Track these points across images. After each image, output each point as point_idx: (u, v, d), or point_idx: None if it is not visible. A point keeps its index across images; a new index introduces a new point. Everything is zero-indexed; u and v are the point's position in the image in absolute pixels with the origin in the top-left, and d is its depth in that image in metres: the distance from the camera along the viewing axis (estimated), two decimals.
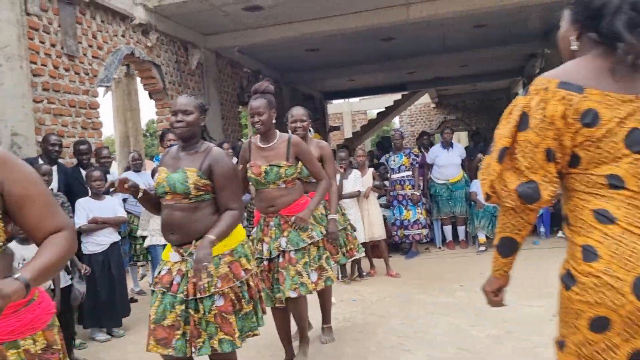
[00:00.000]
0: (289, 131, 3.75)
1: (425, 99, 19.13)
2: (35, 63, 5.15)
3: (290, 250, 3.18)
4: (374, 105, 19.93)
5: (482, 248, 6.97)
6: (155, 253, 4.77)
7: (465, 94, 18.72)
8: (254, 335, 2.65)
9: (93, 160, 5.39)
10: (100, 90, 6.21)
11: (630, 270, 1.34)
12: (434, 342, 3.73)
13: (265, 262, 3.22)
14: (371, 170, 6.38)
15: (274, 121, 3.22)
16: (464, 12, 7.76)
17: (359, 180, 5.98)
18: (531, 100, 1.47)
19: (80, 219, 4.41)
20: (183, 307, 2.50)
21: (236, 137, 9.64)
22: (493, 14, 8.43)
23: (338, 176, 6.20)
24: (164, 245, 4.65)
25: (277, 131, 3.30)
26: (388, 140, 13.34)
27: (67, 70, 5.57)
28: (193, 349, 2.48)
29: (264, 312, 2.76)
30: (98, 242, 4.48)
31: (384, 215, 7.34)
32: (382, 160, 7.75)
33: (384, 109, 17.36)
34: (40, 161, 4.63)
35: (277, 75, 11.88)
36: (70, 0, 5.62)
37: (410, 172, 7.12)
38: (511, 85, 17.36)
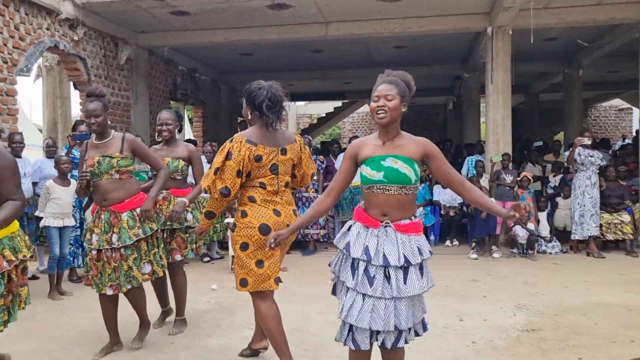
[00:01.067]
0: (157, 133, 4.24)
1: (367, 107, 19.97)
2: None
3: (120, 247, 3.45)
4: (323, 109, 20.59)
5: None
6: (49, 233, 5.21)
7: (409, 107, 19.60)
8: (7, 323, 2.74)
9: (5, 144, 5.79)
10: (27, 77, 6.59)
11: (259, 220, 3.02)
12: None
13: (94, 252, 3.49)
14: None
15: (109, 122, 3.63)
16: (379, 34, 8.49)
17: None
18: (233, 145, 3.01)
19: None
20: None
21: None
22: (410, 38, 9.22)
23: None
24: (58, 227, 5.16)
25: (113, 131, 3.68)
26: (326, 145, 14.02)
27: None
28: None
29: (20, 308, 2.84)
30: None
31: None
32: None
33: (324, 115, 18.07)
34: None
35: (215, 75, 12.37)
36: None
37: (315, 178, 7.78)
38: (447, 102, 18.38)
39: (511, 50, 8.10)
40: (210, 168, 3.06)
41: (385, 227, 2.46)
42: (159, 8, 7.51)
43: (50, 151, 6.52)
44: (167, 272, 3.98)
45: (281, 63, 11.61)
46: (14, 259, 2.68)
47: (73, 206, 5.46)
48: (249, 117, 3.19)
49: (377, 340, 2.46)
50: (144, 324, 3.84)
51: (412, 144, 2.50)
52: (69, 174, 5.33)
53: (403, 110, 2.50)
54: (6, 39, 6.25)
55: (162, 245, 3.77)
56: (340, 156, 8.20)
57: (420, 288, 2.45)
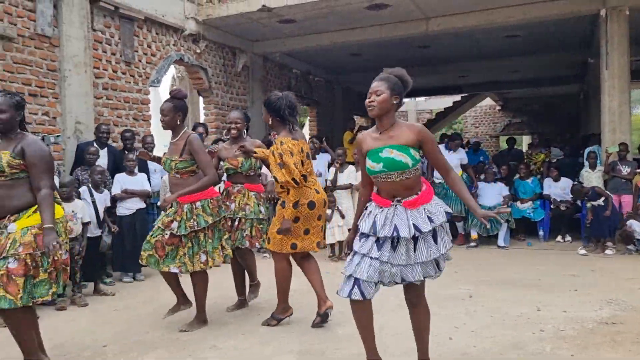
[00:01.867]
0: (225, 131, 4.72)
1: (490, 101, 19.30)
2: (97, 68, 6.69)
3: (181, 235, 3.88)
4: (442, 104, 20.31)
5: (473, 244, 7.66)
6: None
7: (531, 98, 18.62)
8: (43, 300, 3.07)
9: (140, 144, 6.83)
10: (153, 89, 7.68)
11: (307, 199, 3.88)
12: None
13: (166, 235, 3.89)
14: None
15: (178, 122, 3.95)
16: (481, 26, 8.39)
17: (352, 175, 6.97)
18: (289, 146, 3.79)
19: (116, 189, 5.84)
20: None
21: None
22: (521, 27, 8.92)
23: (332, 169, 7.26)
24: None
25: (185, 130, 4.00)
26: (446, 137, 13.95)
27: (124, 73, 7.09)
28: None
29: (64, 283, 3.24)
30: (127, 207, 5.88)
31: None
32: None
33: (442, 110, 17.84)
34: (95, 144, 6.12)
35: (329, 75, 12.95)
36: (130, 17, 7.12)
37: None
38: (579, 91, 17.10)
39: (628, 32, 7.53)
40: (284, 167, 3.76)
41: (396, 205, 2.75)
42: (268, 18, 8.21)
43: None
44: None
45: (389, 60, 11.76)
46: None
47: None
48: (270, 123, 4.00)
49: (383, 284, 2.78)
50: (199, 313, 4.10)
51: (407, 132, 2.78)
52: None
53: (395, 102, 2.80)
54: (140, 56, 7.35)
55: (224, 237, 4.11)
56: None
57: (430, 255, 2.71)
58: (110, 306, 4.88)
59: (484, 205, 7.80)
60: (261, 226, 4.53)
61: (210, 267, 4.03)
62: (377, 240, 2.75)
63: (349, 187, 6.96)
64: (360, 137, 2.96)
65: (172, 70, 10.54)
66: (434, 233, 2.74)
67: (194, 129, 7.24)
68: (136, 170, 6.04)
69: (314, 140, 8.15)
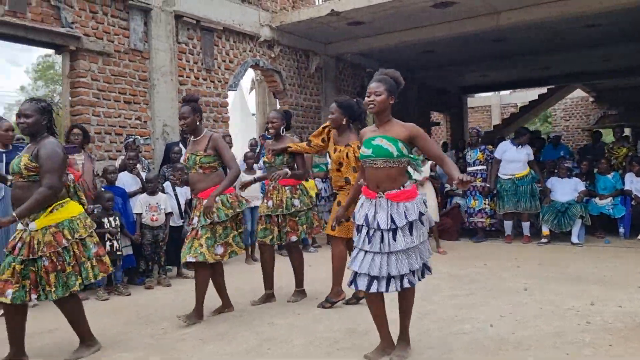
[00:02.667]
0: (265, 130, 5.02)
1: (581, 92, 18.36)
2: (182, 76, 7.42)
3: (199, 227, 4.12)
4: (527, 97, 19.62)
5: (544, 240, 7.56)
6: (243, 213, 6.68)
7: (628, 89, 17.49)
8: (75, 290, 3.34)
9: None
10: (231, 93, 8.32)
11: None
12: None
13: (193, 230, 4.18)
14: (429, 163, 7.46)
15: (197, 122, 4.21)
16: (552, 18, 8.22)
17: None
18: (355, 148, 4.13)
19: None
20: (22, 266, 3.22)
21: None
22: (602, 15, 8.58)
23: None
24: (250, 208, 6.49)
25: (206, 130, 4.27)
26: (536, 134, 13.60)
27: (204, 80, 7.78)
28: (34, 296, 3.24)
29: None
30: None
31: (458, 203, 8.37)
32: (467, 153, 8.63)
33: (527, 103, 17.26)
34: (180, 144, 6.82)
35: (403, 73, 13.00)
36: (210, 29, 7.80)
37: (484, 167, 8.00)
38: None
39: None
40: (345, 166, 4.28)
41: (379, 197, 3.10)
42: (337, 22, 8.58)
43: (252, 149, 8.11)
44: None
45: (463, 56, 11.76)
46: (70, 237, 3.30)
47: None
48: (343, 123, 4.35)
49: (383, 288, 3.08)
50: (223, 304, 4.45)
51: (399, 128, 3.19)
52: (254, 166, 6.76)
53: (391, 102, 3.23)
54: (219, 63, 8.02)
55: (240, 230, 4.32)
56: (503, 144, 7.97)
57: (407, 244, 3.06)
58: (190, 287, 5.46)
59: (556, 201, 7.68)
60: (296, 219, 4.66)
61: (225, 260, 4.24)
62: (369, 232, 3.12)
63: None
64: (362, 131, 3.42)
65: (251, 74, 11.23)
66: (410, 226, 3.07)
67: (267, 130, 7.80)
68: None
69: None
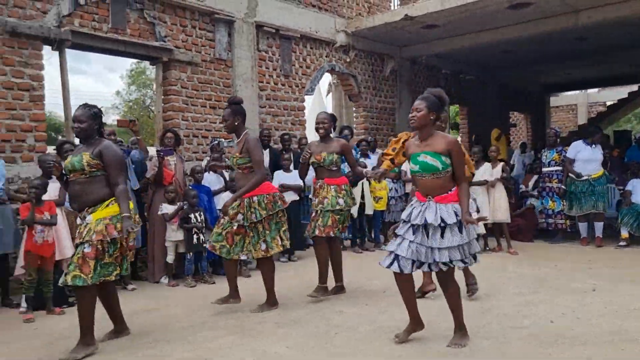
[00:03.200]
0: (315, 131, 5.14)
1: None
2: (261, 82, 7.95)
3: (245, 225, 4.43)
4: (617, 95, 18.61)
5: (623, 243, 7.32)
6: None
7: None
8: (107, 279, 3.57)
9: (296, 146, 7.94)
10: (308, 97, 8.77)
11: None
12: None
13: (235, 227, 4.42)
14: (501, 164, 7.47)
15: (237, 124, 4.47)
16: (637, 15, 7.92)
17: (487, 172, 7.22)
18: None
19: (274, 184, 6.95)
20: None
21: None
22: None
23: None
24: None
25: (246, 131, 4.51)
26: (623, 134, 13.03)
27: (283, 85, 8.27)
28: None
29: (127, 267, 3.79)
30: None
31: (533, 205, 8.28)
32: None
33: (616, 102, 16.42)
34: None
35: (480, 73, 12.96)
36: (288, 37, 8.27)
37: (559, 167, 7.87)
38: None
39: None
40: (466, 163, 4.40)
41: (429, 201, 3.43)
42: (411, 25, 8.77)
43: None
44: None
45: (545, 54, 11.50)
46: (120, 230, 3.56)
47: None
48: (431, 119, 3.92)
49: (429, 268, 3.37)
50: (269, 298, 4.59)
51: (441, 142, 3.41)
52: None
53: (432, 117, 3.44)
54: (297, 69, 8.48)
55: (282, 229, 4.55)
56: (576, 144, 7.73)
57: (455, 241, 3.31)
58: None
59: (637, 204, 7.41)
60: (338, 217, 4.83)
61: (270, 255, 4.52)
62: (413, 226, 3.41)
63: (483, 183, 7.22)
64: (407, 143, 3.70)
65: (328, 77, 11.63)
66: (460, 225, 3.32)
67: (340, 132, 8.15)
68: (291, 167, 7.10)
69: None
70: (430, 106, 3.44)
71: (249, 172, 4.43)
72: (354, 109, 10.09)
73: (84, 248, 3.48)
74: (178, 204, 5.91)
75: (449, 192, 3.40)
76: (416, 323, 3.63)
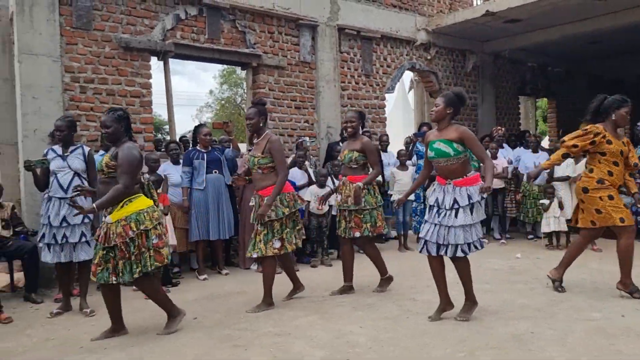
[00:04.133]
0: (342, 129, 5.31)
1: None
2: (343, 82, 8.35)
3: (257, 224, 4.51)
4: None
5: None
6: None
7: None
8: (140, 272, 3.77)
9: (377, 142, 8.25)
10: (390, 95, 9.05)
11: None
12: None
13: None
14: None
15: (261, 124, 4.53)
16: None
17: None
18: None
19: None
20: (104, 252, 3.75)
21: (513, 125, 11.17)
22: None
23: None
24: None
25: (268, 132, 4.54)
26: None
27: (364, 84, 8.62)
28: (114, 278, 3.76)
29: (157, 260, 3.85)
30: None
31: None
32: None
33: None
34: (340, 144, 7.74)
35: (569, 66, 12.51)
36: (369, 37, 8.60)
37: None
38: None
39: None
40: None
41: (448, 184, 3.97)
42: (493, 21, 8.77)
43: (406, 146, 8.72)
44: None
45: (636, 44, 10.91)
46: (135, 229, 3.73)
47: None
48: (448, 113, 4.04)
49: (445, 253, 3.96)
50: (296, 287, 4.89)
51: (453, 131, 3.93)
52: (407, 162, 7.40)
53: (449, 112, 3.97)
54: (377, 68, 8.79)
55: (297, 227, 4.63)
56: None
57: (466, 221, 3.85)
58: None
59: None
60: (361, 216, 4.86)
61: (282, 253, 4.58)
62: (438, 210, 3.98)
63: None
64: (426, 134, 4.18)
65: (410, 74, 11.80)
66: (471, 207, 3.85)
67: (419, 129, 8.37)
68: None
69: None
70: (448, 102, 3.95)
71: (269, 172, 4.47)
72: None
73: (116, 250, 3.74)
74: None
75: (466, 177, 3.91)
76: (446, 303, 4.16)
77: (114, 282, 3.79)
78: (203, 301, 4.63)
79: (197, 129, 6.58)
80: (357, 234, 4.92)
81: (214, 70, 51.28)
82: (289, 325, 4.14)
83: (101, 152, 5.57)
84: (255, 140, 4.62)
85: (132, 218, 3.73)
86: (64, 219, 4.66)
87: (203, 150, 6.29)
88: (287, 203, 4.49)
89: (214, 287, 5.60)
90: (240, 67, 8.05)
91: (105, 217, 3.80)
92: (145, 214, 3.79)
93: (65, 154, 4.77)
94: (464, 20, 8.89)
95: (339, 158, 5.19)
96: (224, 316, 4.46)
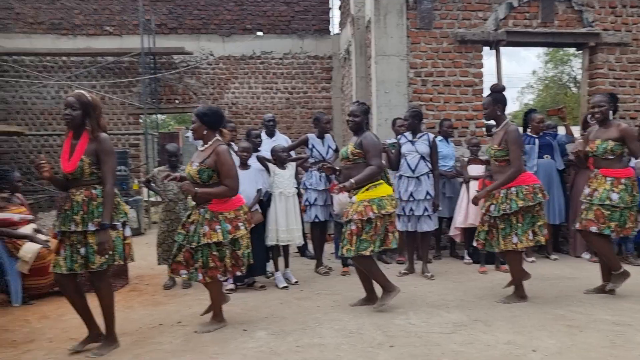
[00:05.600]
0: (589, 115, 4.72)
1: None
2: None
3: (496, 216, 4.33)
4: None
5: None
6: None
7: None
8: (365, 253, 4.07)
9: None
10: None
11: None
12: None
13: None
14: None
15: (498, 113, 4.34)
16: None
17: None
18: None
19: None
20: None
21: None
22: None
23: None
24: None
25: (506, 120, 4.34)
26: None
27: None
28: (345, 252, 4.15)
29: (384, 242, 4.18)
30: None
31: None
32: None
33: None
34: None
35: None
36: None
37: None
38: None
39: None
40: None
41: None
42: None
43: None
44: None
45: None
46: (376, 212, 4.04)
47: None
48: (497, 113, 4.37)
49: None
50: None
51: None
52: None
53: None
54: None
55: (538, 223, 4.27)
56: None
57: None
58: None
59: None
60: (608, 212, 4.36)
61: (520, 249, 4.30)
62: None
63: None
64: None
65: None
66: None
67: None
68: None
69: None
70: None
71: (505, 165, 4.29)
72: None
73: (351, 225, 4.15)
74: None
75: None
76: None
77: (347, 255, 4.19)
78: (534, 281, 4.81)
79: (527, 114, 6.68)
80: (594, 229, 4.41)
81: (536, 48, 48.73)
82: (627, 316, 4.00)
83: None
84: (494, 130, 4.54)
85: (374, 202, 4.09)
86: (411, 194, 5.48)
87: (534, 135, 6.37)
88: (522, 196, 4.22)
89: (544, 270, 5.69)
90: (575, 49, 7.69)
91: (351, 197, 4.20)
92: (386, 201, 4.14)
93: (414, 140, 5.57)
94: None
95: (587, 148, 4.58)
96: (556, 298, 4.58)
